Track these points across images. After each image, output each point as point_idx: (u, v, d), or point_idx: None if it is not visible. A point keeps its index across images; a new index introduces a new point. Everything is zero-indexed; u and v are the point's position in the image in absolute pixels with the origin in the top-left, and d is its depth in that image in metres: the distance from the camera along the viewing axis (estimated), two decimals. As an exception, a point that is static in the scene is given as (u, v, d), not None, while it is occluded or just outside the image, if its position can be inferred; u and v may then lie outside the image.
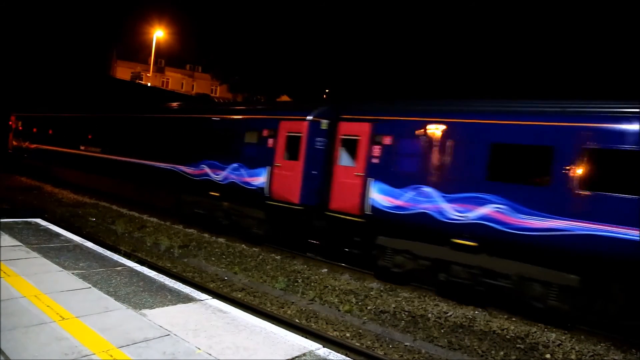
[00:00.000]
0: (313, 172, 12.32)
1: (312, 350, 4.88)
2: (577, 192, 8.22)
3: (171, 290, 6.47)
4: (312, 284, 10.37)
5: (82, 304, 5.54)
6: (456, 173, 9.74)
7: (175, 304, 5.91)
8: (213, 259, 12.15)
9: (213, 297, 6.50)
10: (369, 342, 7.56)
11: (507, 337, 8.13)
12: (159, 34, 46.69)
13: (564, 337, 8.18)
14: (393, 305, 9.27)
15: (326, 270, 11.62)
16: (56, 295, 5.71)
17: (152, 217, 17.02)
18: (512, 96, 10.54)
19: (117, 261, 7.84)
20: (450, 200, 9.68)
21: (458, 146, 9.79)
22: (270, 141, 13.23)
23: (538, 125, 8.95)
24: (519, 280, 8.94)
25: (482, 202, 9.21)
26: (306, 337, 5.63)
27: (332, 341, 7.13)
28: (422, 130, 10.32)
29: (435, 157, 10.06)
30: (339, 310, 8.90)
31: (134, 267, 7.52)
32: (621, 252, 7.68)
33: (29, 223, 10.29)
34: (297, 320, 8.17)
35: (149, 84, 51.01)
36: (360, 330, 8.02)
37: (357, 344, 7.39)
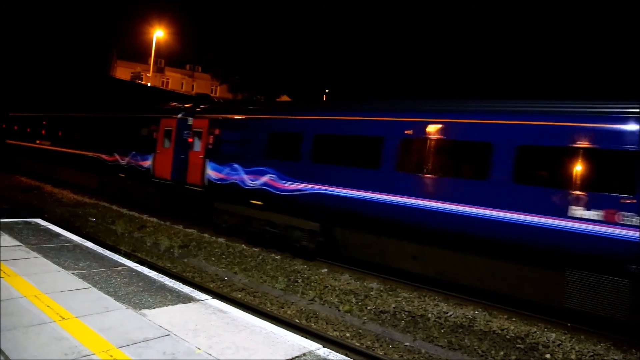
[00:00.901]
0: (181, 156, 16.01)
1: (312, 350, 4.88)
2: (310, 163, 12.28)
3: (171, 290, 6.47)
4: (312, 284, 10.37)
5: (82, 304, 5.55)
6: (250, 153, 13.74)
7: (175, 304, 5.91)
8: (213, 259, 12.15)
9: (213, 297, 6.50)
10: (369, 342, 7.56)
11: (507, 337, 8.13)
12: (159, 34, 46.68)
13: (564, 337, 8.18)
14: (393, 305, 9.27)
15: (326, 270, 11.62)
16: (56, 295, 5.71)
17: (152, 217, 17.02)
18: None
19: (117, 261, 7.84)
20: (247, 173, 13.71)
21: (250, 135, 13.99)
22: (155, 134, 17.31)
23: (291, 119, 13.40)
24: (285, 227, 12.87)
25: (263, 173, 13.20)
26: (306, 337, 5.63)
27: (332, 341, 7.12)
28: (232, 124, 15.01)
29: (238, 143, 14.36)
30: (339, 310, 8.90)
31: (134, 267, 7.53)
32: (335, 204, 11.40)
33: (29, 223, 10.29)
34: (297, 320, 8.17)
35: (149, 84, 51.00)
36: (360, 330, 8.02)
37: (357, 344, 7.39)
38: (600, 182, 8.16)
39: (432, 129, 10.22)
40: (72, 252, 8.07)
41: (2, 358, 4.04)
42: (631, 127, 7.96)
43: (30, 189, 22.48)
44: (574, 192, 8.21)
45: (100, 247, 8.82)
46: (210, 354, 4.55)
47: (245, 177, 13.67)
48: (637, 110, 8.04)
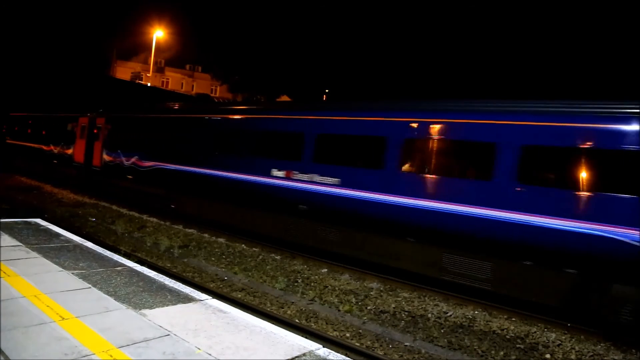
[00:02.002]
0: (90, 145, 21.85)
1: (312, 350, 4.88)
2: (150, 147, 18.39)
3: (171, 290, 6.47)
4: (312, 284, 10.37)
5: (82, 304, 5.55)
6: (125, 142, 19.60)
7: (175, 304, 5.91)
8: (213, 259, 12.15)
9: (213, 297, 6.50)
10: (369, 342, 7.56)
11: (507, 337, 8.13)
12: (159, 34, 46.68)
13: (564, 337, 8.18)
14: (393, 305, 9.27)
15: (326, 270, 11.62)
16: (56, 295, 5.71)
17: (152, 217, 17.02)
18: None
19: (117, 261, 7.84)
20: (125, 156, 19.02)
21: (123, 130, 20.24)
22: (76, 130, 23.24)
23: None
24: (147, 194, 18.11)
25: (133, 156, 18.60)
26: (306, 337, 5.63)
27: (332, 341, 7.12)
28: (115, 122, 20.75)
29: (119, 135, 20.24)
30: (339, 310, 8.90)
31: (134, 267, 7.53)
32: (172, 175, 16.74)
33: (29, 223, 10.29)
34: (297, 320, 8.17)
35: (149, 84, 51.00)
36: (360, 330, 8.02)
37: (357, 344, 7.39)
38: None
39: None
40: (72, 252, 8.07)
41: (2, 358, 4.05)
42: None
43: (30, 189, 22.48)
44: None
45: (100, 247, 8.82)
46: (210, 354, 4.55)
47: (124, 159, 19.25)
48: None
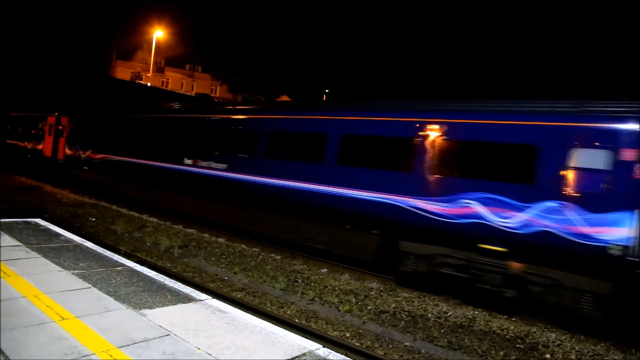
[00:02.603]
0: (56, 141, 25.10)
1: (312, 350, 4.88)
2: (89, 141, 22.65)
3: (171, 290, 6.47)
4: (312, 284, 10.37)
5: (82, 304, 5.55)
6: (81, 138, 23.04)
7: (175, 304, 5.91)
8: (213, 259, 12.15)
9: (213, 297, 6.50)
10: (368, 342, 7.56)
11: (507, 337, 8.13)
12: (158, 34, 46.67)
13: (564, 337, 8.18)
14: (393, 305, 9.27)
15: (326, 270, 11.63)
16: (56, 295, 5.71)
17: (152, 217, 17.03)
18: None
19: (117, 261, 7.84)
20: (82, 150, 22.54)
21: (77, 128, 23.67)
22: (45, 128, 26.44)
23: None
24: (101, 183, 21.33)
25: (88, 149, 22.11)
26: (306, 337, 5.63)
27: (332, 341, 7.12)
28: (74, 121, 24.13)
29: (76, 132, 23.66)
30: (339, 310, 8.89)
31: (134, 267, 7.53)
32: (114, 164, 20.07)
33: (29, 223, 10.29)
34: (297, 320, 8.17)
35: (149, 84, 51.00)
36: (360, 330, 8.02)
37: (357, 344, 7.39)
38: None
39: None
40: (72, 252, 8.07)
41: (2, 358, 4.05)
42: None
43: (30, 189, 22.48)
44: None
45: (100, 247, 8.82)
46: (210, 354, 4.55)
47: (81, 152, 22.63)
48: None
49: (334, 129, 11.92)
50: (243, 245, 13.65)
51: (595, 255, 7.85)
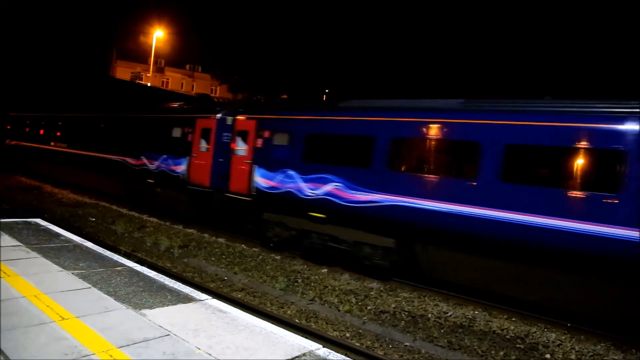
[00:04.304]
0: (16, 135, 29.85)
1: (312, 350, 4.88)
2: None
3: (171, 290, 6.47)
4: (312, 284, 10.37)
5: (82, 304, 5.54)
6: (22, 134, 29.27)
7: (175, 304, 5.91)
8: (213, 259, 12.14)
9: (213, 297, 6.50)
10: (369, 342, 7.56)
11: (507, 337, 8.13)
12: (158, 34, 46.67)
13: (564, 337, 8.18)
14: (393, 305, 9.27)
15: (326, 270, 11.62)
16: (56, 295, 5.71)
17: (152, 217, 17.02)
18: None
19: (117, 261, 7.84)
20: (15, 140, 30.41)
21: (20, 123, 29.90)
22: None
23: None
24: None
25: (18, 139, 29.85)
26: (306, 337, 5.63)
27: (332, 341, 7.12)
28: (16, 119, 31.05)
29: (20, 128, 29.93)
30: (339, 310, 8.89)
31: (134, 267, 7.53)
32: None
33: (29, 223, 10.29)
34: (297, 320, 8.17)
35: (149, 84, 50.98)
36: (360, 330, 8.02)
37: (357, 344, 7.39)
38: None
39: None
40: (72, 252, 8.07)
41: (2, 358, 4.04)
42: None
43: (30, 189, 22.47)
44: None
45: (100, 247, 8.82)
46: (210, 354, 4.55)
47: (13, 142, 30.11)
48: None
49: None
50: (243, 245, 13.65)
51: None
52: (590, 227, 7.87)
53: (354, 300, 9.46)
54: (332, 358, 4.80)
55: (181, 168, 15.79)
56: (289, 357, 4.66)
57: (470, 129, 9.61)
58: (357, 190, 10.90)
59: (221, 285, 9.97)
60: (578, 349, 7.78)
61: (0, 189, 21.18)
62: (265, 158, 13.16)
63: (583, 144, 8.26)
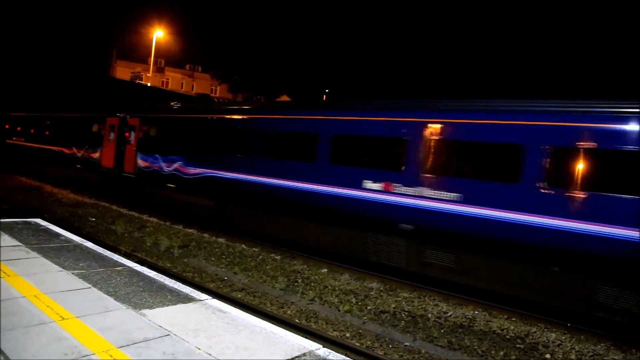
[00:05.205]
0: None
1: (312, 350, 4.88)
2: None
3: (171, 290, 6.47)
4: (312, 284, 10.37)
5: (82, 304, 5.55)
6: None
7: (175, 304, 5.91)
8: (213, 259, 12.15)
9: (213, 297, 6.50)
10: (369, 342, 7.56)
11: (507, 337, 8.13)
12: (158, 34, 46.66)
13: (564, 337, 8.18)
14: (393, 305, 9.27)
15: (326, 270, 11.62)
16: (56, 295, 5.71)
17: (152, 217, 17.02)
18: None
19: (117, 261, 7.84)
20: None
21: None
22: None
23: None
24: None
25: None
26: (306, 337, 5.63)
27: (332, 341, 7.12)
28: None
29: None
30: (339, 310, 8.89)
31: (134, 267, 7.53)
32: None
33: (29, 223, 10.29)
34: (297, 320, 8.17)
35: (149, 84, 50.98)
36: (360, 330, 8.02)
37: (357, 344, 7.39)
38: None
39: None
40: (72, 252, 8.07)
41: (2, 358, 4.04)
42: None
43: (30, 189, 22.47)
44: None
45: (100, 247, 8.82)
46: (210, 354, 4.55)
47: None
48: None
49: None
50: (243, 245, 13.66)
51: None
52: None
53: (354, 300, 9.46)
54: (332, 358, 4.80)
55: (96, 155, 21.02)
56: (289, 357, 4.66)
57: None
58: (191, 167, 15.78)
59: (221, 285, 9.97)
60: (578, 349, 7.79)
61: (0, 189, 21.19)
62: (143, 146, 18.15)
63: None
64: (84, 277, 6.63)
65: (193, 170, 15.65)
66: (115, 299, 5.82)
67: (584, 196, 8.13)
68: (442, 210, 9.64)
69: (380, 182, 10.64)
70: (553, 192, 8.43)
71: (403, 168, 10.38)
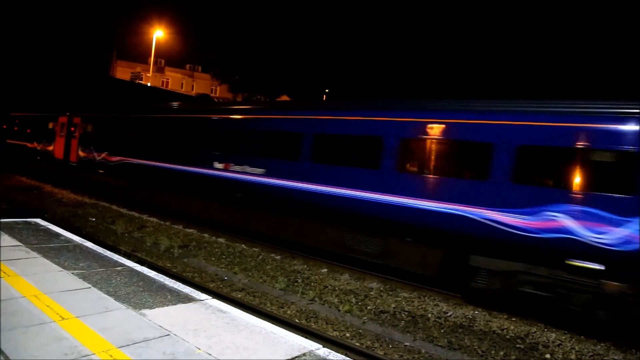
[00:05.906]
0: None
1: (312, 350, 4.88)
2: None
3: (171, 290, 6.47)
4: (312, 284, 10.37)
5: (82, 304, 5.55)
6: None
7: (175, 304, 5.91)
8: (213, 259, 12.15)
9: (213, 297, 6.50)
10: (368, 342, 7.56)
11: (507, 337, 8.13)
12: (158, 34, 46.67)
13: (564, 337, 8.18)
14: (393, 305, 9.28)
15: (326, 270, 11.63)
16: (56, 295, 5.71)
17: (152, 217, 17.03)
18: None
19: (117, 261, 7.84)
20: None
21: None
22: None
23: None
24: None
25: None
26: (306, 337, 5.63)
27: (332, 341, 7.12)
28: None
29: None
30: (339, 310, 8.90)
31: (134, 267, 7.53)
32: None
33: (29, 223, 10.29)
34: (297, 320, 8.17)
35: (149, 84, 50.99)
36: (360, 330, 8.02)
37: (357, 344, 7.39)
38: None
39: None
40: (72, 252, 8.07)
41: (2, 358, 4.05)
42: None
43: (30, 189, 22.47)
44: None
45: (100, 247, 8.82)
46: (210, 354, 4.55)
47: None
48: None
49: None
50: (243, 245, 13.66)
51: None
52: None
53: (354, 300, 9.46)
54: (332, 358, 4.81)
55: (51, 148, 25.42)
56: (289, 357, 4.66)
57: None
58: (114, 155, 20.05)
59: (221, 285, 9.97)
60: (578, 349, 7.79)
61: (0, 189, 21.19)
62: (83, 140, 22.71)
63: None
64: (84, 277, 6.63)
65: (114, 158, 20.52)
66: (115, 299, 5.82)
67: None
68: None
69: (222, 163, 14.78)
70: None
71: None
